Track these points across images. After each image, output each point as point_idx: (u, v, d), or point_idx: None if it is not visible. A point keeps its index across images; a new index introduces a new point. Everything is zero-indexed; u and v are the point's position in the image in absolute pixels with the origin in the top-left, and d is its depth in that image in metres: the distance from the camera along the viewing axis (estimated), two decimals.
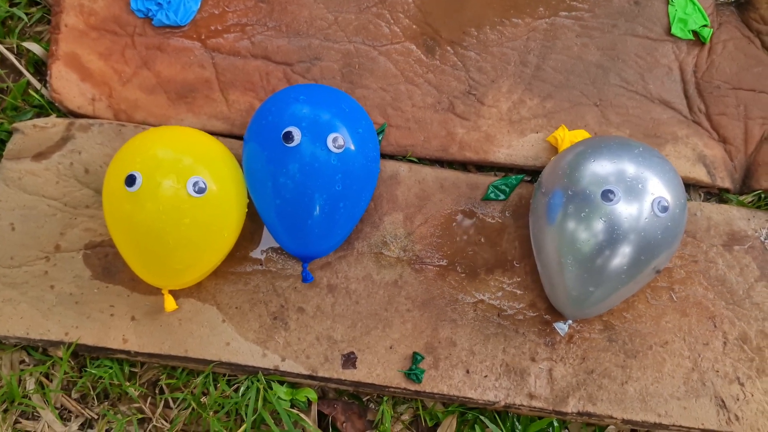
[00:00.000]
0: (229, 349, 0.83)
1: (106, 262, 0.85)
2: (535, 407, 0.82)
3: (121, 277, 0.84)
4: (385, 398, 0.85)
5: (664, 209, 0.74)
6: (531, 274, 0.87)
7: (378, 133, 0.90)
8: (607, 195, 0.75)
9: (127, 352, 0.82)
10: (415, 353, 0.83)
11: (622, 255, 0.75)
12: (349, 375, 0.82)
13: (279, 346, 0.83)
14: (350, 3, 0.94)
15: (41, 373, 0.84)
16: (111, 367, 0.83)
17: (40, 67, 0.94)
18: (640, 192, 0.75)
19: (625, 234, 0.74)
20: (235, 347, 0.83)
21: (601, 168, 0.77)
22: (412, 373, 0.82)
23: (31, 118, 0.90)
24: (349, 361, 0.83)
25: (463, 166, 0.93)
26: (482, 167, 0.93)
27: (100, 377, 0.82)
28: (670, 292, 0.86)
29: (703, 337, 0.85)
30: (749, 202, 0.91)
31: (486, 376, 0.83)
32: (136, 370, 0.85)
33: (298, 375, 0.82)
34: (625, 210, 0.74)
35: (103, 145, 0.87)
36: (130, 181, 0.72)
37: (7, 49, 0.93)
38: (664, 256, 0.78)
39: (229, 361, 0.82)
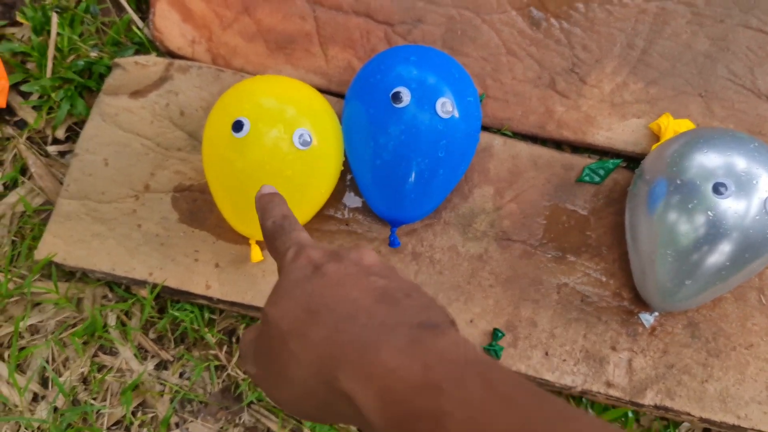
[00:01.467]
0: None
1: (194, 207, 0.84)
2: (611, 396, 0.81)
3: (208, 224, 0.84)
4: None
5: None
6: (619, 262, 0.85)
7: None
8: (718, 188, 0.72)
9: (209, 299, 0.83)
10: (495, 329, 0.82)
11: (723, 252, 0.74)
12: None
13: None
14: None
15: (122, 310, 0.84)
16: (192, 312, 0.83)
17: (141, 5, 0.93)
18: (752, 188, 0.73)
19: (730, 230, 0.73)
20: None
21: (711, 160, 0.74)
22: (492, 349, 0.82)
23: (131, 55, 0.89)
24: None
25: (558, 145, 0.91)
26: (578, 148, 0.91)
27: (181, 320, 0.82)
28: (759, 294, 0.84)
29: None
30: None
31: (564, 360, 0.82)
32: (214, 317, 0.85)
33: None
34: (734, 205, 0.72)
35: (200, 88, 0.86)
36: (238, 126, 0.72)
37: None
38: (766, 257, 0.76)
39: None
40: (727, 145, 0.76)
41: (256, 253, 0.80)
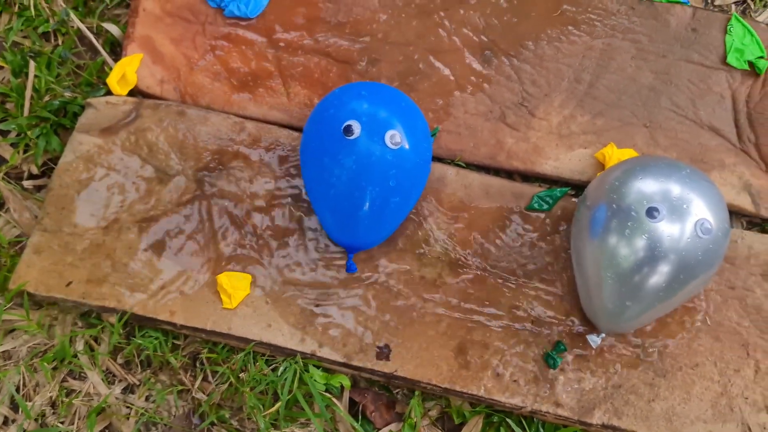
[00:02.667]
0: (270, 330, 0.86)
1: (161, 238, 0.89)
2: (560, 416, 0.84)
3: (173, 253, 0.88)
4: (415, 393, 0.87)
5: (707, 231, 0.76)
6: (568, 286, 0.88)
7: (431, 136, 0.92)
8: (651, 212, 0.76)
9: (173, 325, 0.86)
10: (559, 341, 0.86)
11: (661, 273, 0.77)
12: (383, 366, 0.85)
13: (318, 333, 0.86)
14: (413, 8, 0.97)
15: (91, 336, 0.88)
16: (156, 338, 0.87)
17: (115, 48, 0.99)
18: (684, 212, 0.76)
19: (666, 253, 0.76)
20: (275, 329, 0.86)
21: (648, 186, 0.78)
22: (551, 357, 0.85)
23: (103, 95, 0.94)
24: (384, 353, 0.86)
25: (509, 174, 0.95)
26: (528, 178, 0.95)
27: (145, 346, 0.86)
28: (705, 315, 0.87)
29: (735, 363, 0.86)
30: None
31: (515, 381, 0.85)
32: (179, 343, 0.88)
33: (333, 362, 0.85)
34: (668, 229, 0.76)
35: (167, 125, 0.92)
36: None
37: (87, 28, 0.98)
38: (702, 278, 0.79)
39: (270, 342, 0.85)
40: (662, 172, 0.79)
41: (227, 302, 0.85)
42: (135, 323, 0.88)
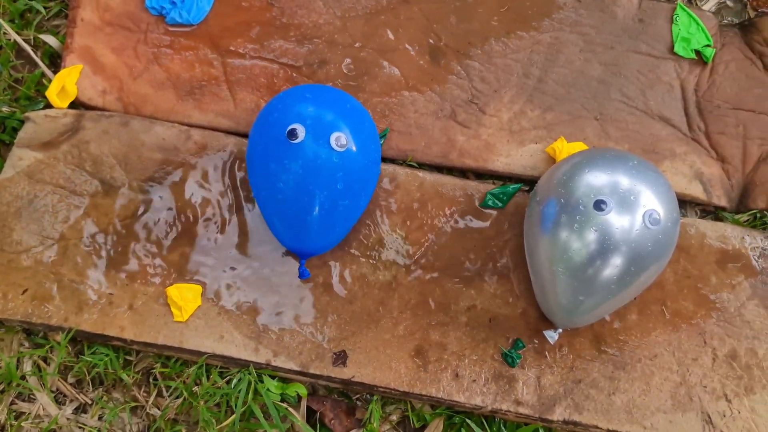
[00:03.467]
0: (223, 342, 0.84)
1: (108, 251, 0.86)
2: (521, 414, 0.83)
3: (121, 267, 0.86)
4: (374, 397, 0.86)
5: (656, 222, 0.75)
6: (524, 283, 0.88)
7: (380, 137, 0.91)
8: (599, 205, 0.75)
9: (124, 340, 0.84)
10: (517, 339, 0.85)
11: (613, 266, 0.76)
12: (339, 373, 0.83)
13: (272, 342, 0.84)
14: (359, 9, 0.96)
15: (39, 356, 0.86)
16: (107, 355, 0.85)
17: (55, 60, 0.96)
18: (632, 204, 0.76)
19: (616, 245, 0.75)
20: (228, 340, 0.84)
21: (596, 179, 0.77)
22: (509, 356, 0.84)
23: (43, 108, 0.92)
24: (340, 359, 0.84)
25: (462, 173, 0.94)
26: (481, 175, 0.94)
27: (96, 363, 0.84)
28: (661, 305, 0.87)
29: (693, 352, 0.86)
30: (745, 221, 0.92)
31: (474, 381, 0.84)
32: (131, 359, 0.86)
33: (289, 371, 0.84)
34: (616, 221, 0.75)
35: (111, 136, 0.89)
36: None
37: (24, 40, 0.95)
38: (654, 269, 0.78)
39: (222, 353, 0.83)
40: (610, 164, 0.79)
41: (178, 315, 0.83)
42: (84, 341, 0.86)
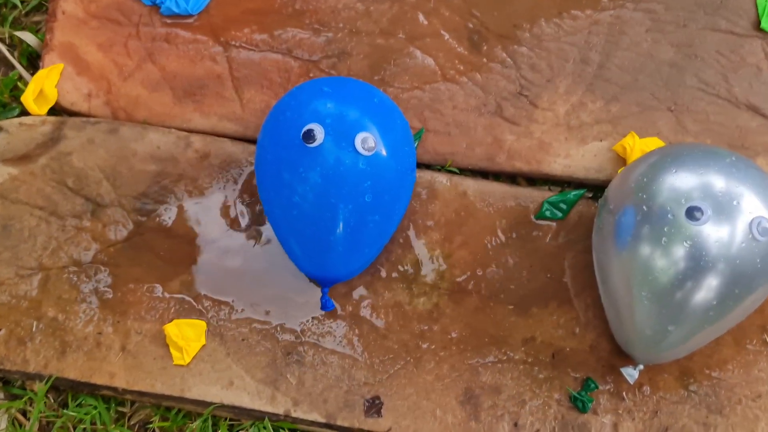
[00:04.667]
0: (233, 389, 0.71)
1: (96, 282, 0.74)
2: None
3: (112, 301, 0.73)
4: None
5: (766, 232, 0.61)
6: (593, 309, 0.74)
7: (414, 139, 0.79)
8: (692, 213, 0.62)
9: (114, 389, 0.71)
10: (588, 378, 0.71)
11: (710, 288, 0.62)
12: (374, 425, 0.70)
13: (291, 388, 0.71)
14: None
15: (17, 409, 0.73)
16: (95, 407, 0.72)
17: (34, 61, 0.85)
18: (734, 210, 0.62)
19: (714, 262, 0.61)
20: (239, 387, 0.71)
21: (684, 181, 0.64)
22: (579, 399, 0.71)
23: (18, 116, 0.80)
24: (374, 407, 0.71)
25: (512, 178, 0.81)
26: (535, 180, 0.81)
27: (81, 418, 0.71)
28: (764, 333, 0.73)
29: None
30: None
31: (538, 430, 0.70)
32: (124, 410, 0.74)
33: (312, 422, 0.71)
34: (714, 232, 0.61)
35: (97, 146, 0.77)
36: None
37: None
38: (762, 290, 0.64)
39: (232, 403, 0.71)
40: (700, 162, 0.65)
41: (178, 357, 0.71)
42: (69, 390, 0.73)
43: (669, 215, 0.62)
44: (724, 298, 0.63)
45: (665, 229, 0.63)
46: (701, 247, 0.62)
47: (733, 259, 0.62)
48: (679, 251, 0.62)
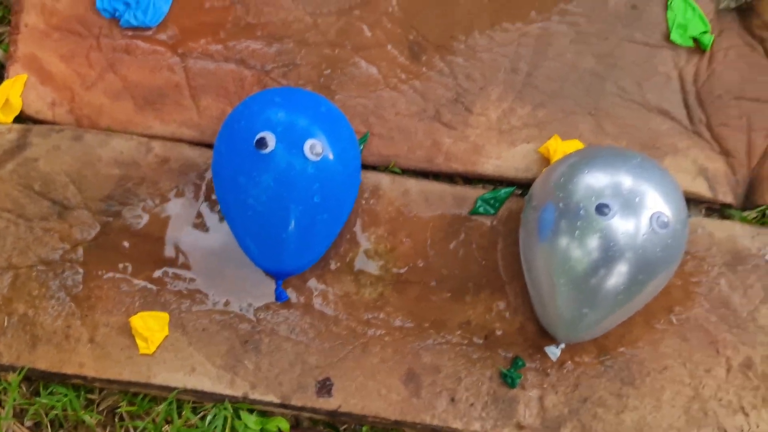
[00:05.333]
0: (195, 374, 0.77)
1: (63, 279, 0.79)
2: None
3: (79, 296, 0.78)
4: (364, 428, 0.79)
5: (664, 225, 0.69)
6: (521, 295, 0.81)
7: (359, 143, 0.84)
8: (601, 209, 0.69)
9: (84, 378, 0.76)
10: (516, 357, 0.78)
11: (619, 274, 0.70)
12: (325, 403, 0.76)
13: (249, 372, 0.77)
14: (330, 5, 0.88)
15: None
16: (66, 395, 0.77)
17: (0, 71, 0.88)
18: (637, 206, 0.70)
19: (622, 251, 0.69)
20: (201, 372, 0.77)
21: (596, 180, 0.71)
22: (508, 376, 0.77)
23: None
24: (325, 388, 0.77)
25: (450, 178, 0.88)
26: (470, 179, 0.87)
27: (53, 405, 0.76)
28: (669, 314, 0.81)
29: (705, 363, 0.79)
30: (753, 218, 0.86)
31: (472, 405, 0.77)
32: (93, 397, 0.79)
33: (269, 403, 0.76)
34: (621, 226, 0.69)
35: (62, 152, 0.81)
36: None
37: None
38: (663, 276, 0.72)
39: (195, 388, 0.76)
40: (610, 163, 0.73)
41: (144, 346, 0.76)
42: (40, 380, 0.78)
43: (581, 211, 0.70)
44: (630, 284, 0.71)
45: (578, 224, 0.70)
46: (610, 238, 0.69)
47: (637, 249, 0.69)
48: (592, 243, 0.70)
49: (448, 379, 0.78)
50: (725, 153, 0.87)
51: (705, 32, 0.89)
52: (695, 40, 0.89)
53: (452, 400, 0.78)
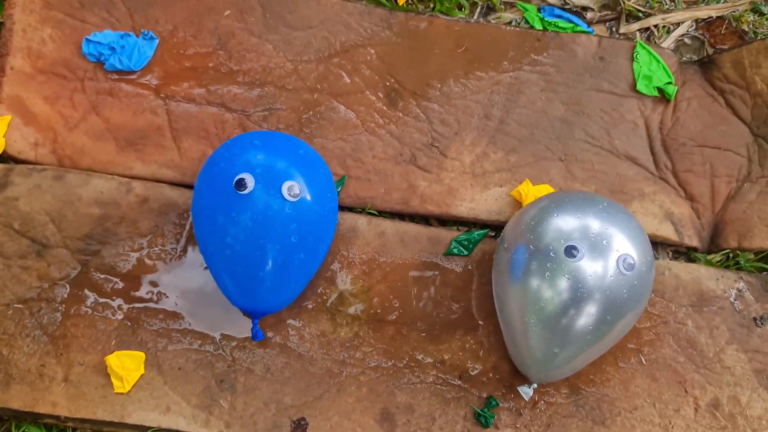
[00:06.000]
0: (170, 414, 0.77)
1: (39, 317, 0.79)
2: None
3: (54, 335, 0.78)
4: None
5: (630, 267, 0.71)
6: (495, 334, 0.82)
7: (337, 185, 0.86)
8: (570, 251, 0.71)
9: (57, 417, 0.76)
10: (490, 396, 0.79)
11: (588, 315, 0.72)
12: None
13: (224, 412, 0.77)
14: (311, 52, 0.91)
15: None
16: None
17: None
18: (604, 248, 0.72)
19: (590, 292, 0.71)
20: (176, 412, 0.77)
21: (565, 223, 0.74)
22: (482, 416, 0.78)
23: None
24: (300, 427, 0.77)
25: (425, 219, 0.90)
26: (445, 221, 0.90)
27: None
28: (639, 354, 0.83)
29: (674, 402, 0.81)
30: (717, 262, 0.89)
31: None
32: None
33: None
34: (589, 267, 0.71)
35: (44, 191, 0.82)
36: None
37: None
38: (631, 316, 0.74)
39: (169, 427, 0.76)
40: (578, 207, 0.75)
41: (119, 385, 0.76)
42: (12, 419, 0.77)
43: (551, 253, 0.72)
44: (599, 324, 0.72)
45: (548, 265, 0.72)
46: (579, 279, 0.71)
47: (605, 289, 0.71)
48: (561, 284, 0.72)
49: (423, 418, 0.79)
50: (690, 198, 0.90)
51: (669, 83, 0.93)
52: (660, 90, 0.93)
53: None
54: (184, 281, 0.81)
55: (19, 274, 0.80)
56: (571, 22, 0.99)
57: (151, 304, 0.80)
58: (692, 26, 1.01)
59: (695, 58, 1.00)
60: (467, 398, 0.80)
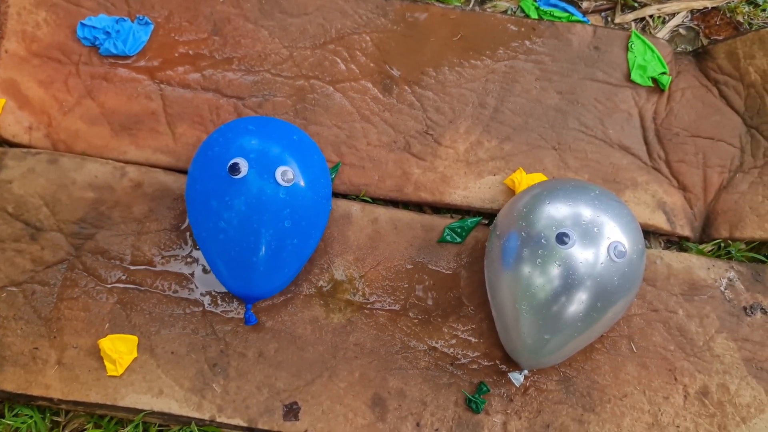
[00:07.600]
0: (163, 397, 0.77)
1: (33, 300, 0.79)
2: None
3: (48, 318, 0.78)
4: None
5: (621, 254, 0.72)
6: (486, 321, 0.83)
7: (331, 172, 0.87)
8: (561, 238, 0.72)
9: (50, 400, 0.76)
10: (481, 383, 0.80)
11: (579, 301, 0.72)
12: (291, 427, 0.77)
13: (216, 395, 0.77)
14: (306, 39, 0.91)
15: None
16: (31, 416, 0.76)
17: None
18: (595, 236, 0.72)
19: (581, 279, 0.72)
20: (168, 395, 0.77)
21: (557, 211, 0.74)
22: (473, 401, 0.79)
23: None
24: (292, 411, 0.78)
25: (419, 207, 0.90)
26: (438, 209, 0.90)
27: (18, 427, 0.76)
28: (629, 342, 0.83)
29: (663, 390, 0.82)
30: (709, 251, 0.89)
31: (437, 429, 0.78)
32: (59, 419, 0.78)
33: (236, 427, 0.77)
34: (580, 254, 0.72)
35: (37, 175, 0.82)
36: None
37: None
38: (621, 304, 0.75)
39: (162, 410, 0.76)
40: (570, 195, 0.76)
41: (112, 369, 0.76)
42: (6, 401, 0.77)
43: (543, 240, 0.73)
44: (590, 311, 0.73)
45: (540, 252, 0.73)
46: (570, 266, 0.72)
47: (596, 276, 0.72)
48: (553, 271, 0.72)
49: (414, 403, 0.79)
50: (683, 188, 0.91)
51: (663, 73, 0.93)
52: (654, 80, 0.93)
53: (417, 425, 0.79)
54: (178, 266, 0.82)
55: (13, 258, 0.80)
56: (566, 11, 0.99)
57: (145, 288, 0.80)
58: (687, 17, 1.01)
59: (690, 48, 1.00)
60: (458, 384, 0.80)
